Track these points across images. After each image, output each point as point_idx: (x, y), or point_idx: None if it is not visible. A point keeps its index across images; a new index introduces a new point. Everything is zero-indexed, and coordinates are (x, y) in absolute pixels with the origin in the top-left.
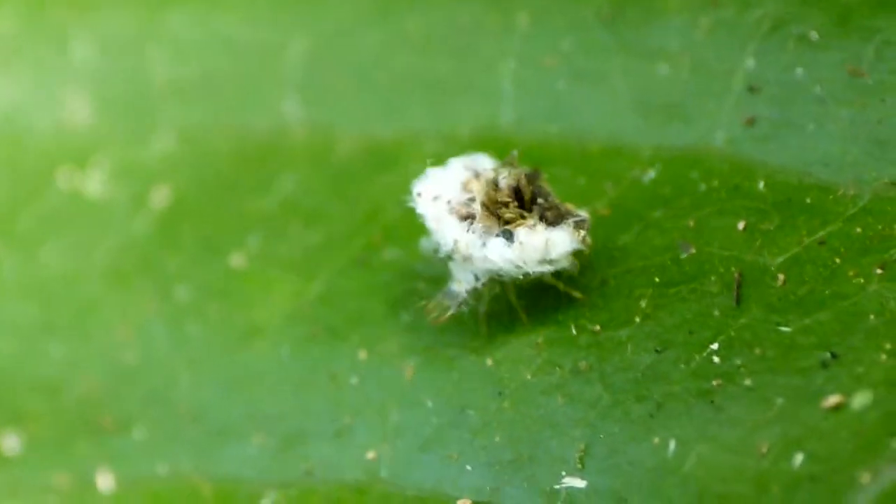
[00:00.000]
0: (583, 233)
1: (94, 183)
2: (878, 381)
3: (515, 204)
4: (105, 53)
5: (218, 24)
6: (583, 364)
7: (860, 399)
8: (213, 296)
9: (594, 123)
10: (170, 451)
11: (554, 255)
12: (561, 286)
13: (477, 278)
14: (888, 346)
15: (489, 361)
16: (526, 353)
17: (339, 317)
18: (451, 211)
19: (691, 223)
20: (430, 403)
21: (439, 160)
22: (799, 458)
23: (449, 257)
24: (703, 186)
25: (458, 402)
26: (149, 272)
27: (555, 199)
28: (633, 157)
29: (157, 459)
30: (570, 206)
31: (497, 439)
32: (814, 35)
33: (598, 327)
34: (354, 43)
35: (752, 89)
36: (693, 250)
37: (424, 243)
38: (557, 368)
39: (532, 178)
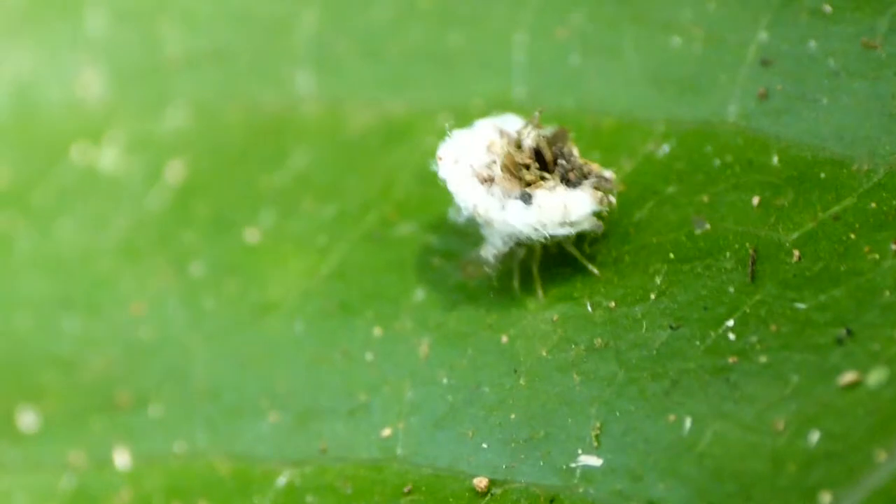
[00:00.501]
0: (601, 194)
1: (109, 157)
2: (894, 358)
3: (537, 165)
4: (118, 26)
5: None
6: (598, 341)
7: (876, 376)
8: (227, 271)
9: (607, 97)
10: (186, 428)
11: (574, 216)
12: (579, 256)
13: (504, 242)
14: None
15: (504, 338)
16: (541, 329)
17: (353, 293)
18: (472, 174)
19: (706, 199)
20: (445, 380)
21: (450, 134)
22: (815, 436)
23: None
24: (717, 161)
25: (473, 380)
26: (163, 248)
27: (578, 159)
28: (647, 131)
29: (173, 437)
30: (595, 166)
31: (512, 417)
32: (827, 8)
33: (613, 304)
34: (366, 15)
35: (765, 62)
36: (708, 226)
37: (451, 212)
38: (573, 345)
39: (556, 137)
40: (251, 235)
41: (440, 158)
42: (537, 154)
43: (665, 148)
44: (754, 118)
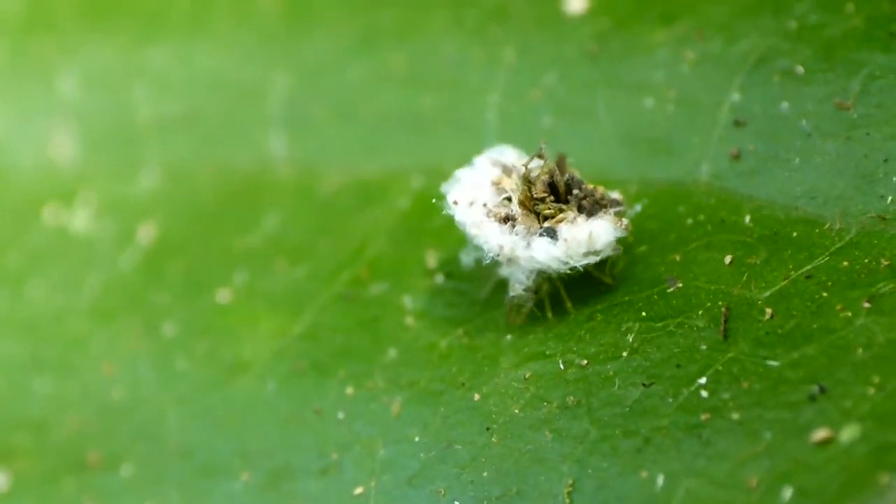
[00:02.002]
0: (625, 221)
1: (81, 219)
2: (867, 415)
3: (552, 198)
4: (90, 89)
5: (202, 59)
6: (570, 399)
7: (848, 433)
8: (199, 332)
9: (581, 158)
10: (158, 488)
11: (599, 245)
12: (598, 274)
13: (527, 276)
14: (876, 379)
15: (476, 396)
16: (514, 387)
17: (325, 352)
18: (489, 214)
19: (678, 257)
20: (417, 438)
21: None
22: (788, 493)
23: (496, 263)
24: (689, 221)
25: (445, 437)
26: (135, 308)
27: (587, 185)
28: (619, 191)
29: (145, 497)
30: (602, 190)
31: (485, 474)
32: (799, 69)
33: (585, 361)
34: (338, 78)
35: (738, 123)
36: (680, 284)
37: (464, 257)
38: (545, 403)
39: (560, 166)
40: (223, 296)
41: (455, 203)
42: (550, 186)
43: (637, 207)
44: (727, 178)
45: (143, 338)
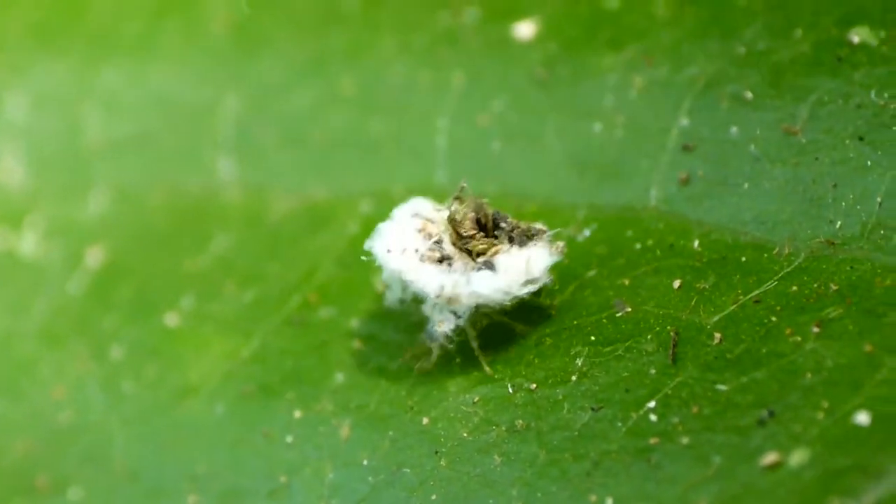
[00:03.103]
0: (560, 244)
1: (29, 243)
2: (816, 439)
3: (482, 234)
4: (38, 111)
5: (152, 81)
6: (519, 423)
7: (798, 457)
8: (147, 355)
9: (529, 183)
10: None
11: (536, 272)
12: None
13: (458, 316)
14: (825, 404)
15: (425, 420)
16: (462, 411)
17: (273, 376)
18: (423, 258)
19: (627, 282)
20: (366, 462)
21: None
22: None
23: (420, 303)
24: (638, 245)
25: (394, 461)
26: (84, 332)
27: (512, 219)
28: (568, 216)
29: None
30: (527, 223)
31: (434, 498)
32: (748, 94)
33: (534, 385)
34: (288, 101)
35: (686, 148)
36: (629, 309)
37: (389, 296)
38: (494, 427)
39: (480, 206)
40: (172, 319)
41: (389, 251)
42: (478, 223)
43: (586, 232)
44: (676, 203)
45: (91, 361)
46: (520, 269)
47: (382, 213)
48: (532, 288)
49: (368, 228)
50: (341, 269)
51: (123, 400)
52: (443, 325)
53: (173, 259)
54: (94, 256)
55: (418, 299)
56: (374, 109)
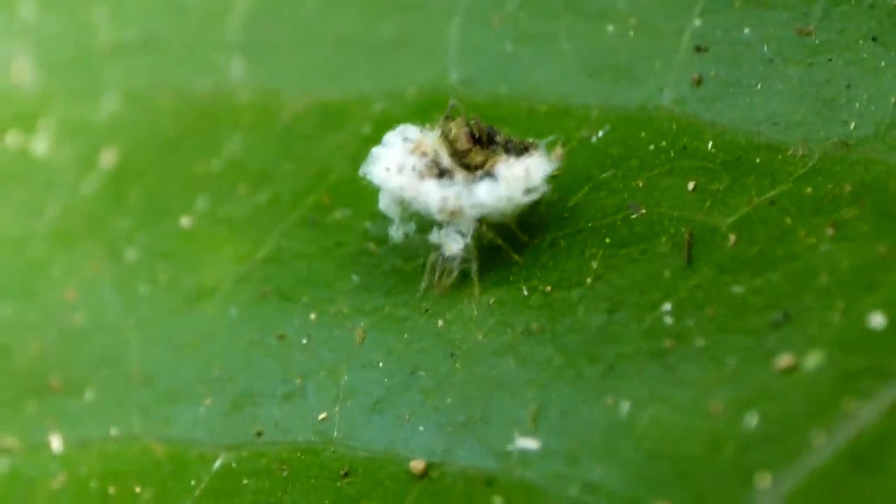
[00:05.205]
0: (559, 151)
1: (42, 144)
2: (831, 341)
3: (478, 147)
4: (49, 13)
5: None
6: (534, 325)
7: (812, 359)
8: (161, 257)
9: (542, 84)
10: (120, 413)
11: (536, 180)
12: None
13: (463, 234)
14: (841, 305)
15: (440, 322)
16: (477, 313)
17: (288, 278)
18: (422, 175)
19: (641, 184)
20: (381, 364)
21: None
22: (752, 419)
23: (428, 226)
24: (651, 147)
25: (409, 363)
26: (97, 233)
27: (504, 135)
28: (581, 117)
29: (107, 422)
30: (520, 138)
31: (449, 400)
32: None
33: (549, 288)
34: (298, 1)
35: (699, 49)
36: (643, 211)
37: (393, 231)
38: (509, 329)
39: (476, 121)
40: (185, 221)
41: (387, 170)
42: (472, 137)
43: (599, 133)
44: (689, 104)
45: (104, 263)
46: (520, 176)
47: (395, 114)
48: (533, 196)
49: (381, 129)
50: (354, 170)
51: (138, 302)
52: (451, 248)
53: (186, 161)
54: (107, 158)
55: (422, 225)
56: (386, 9)
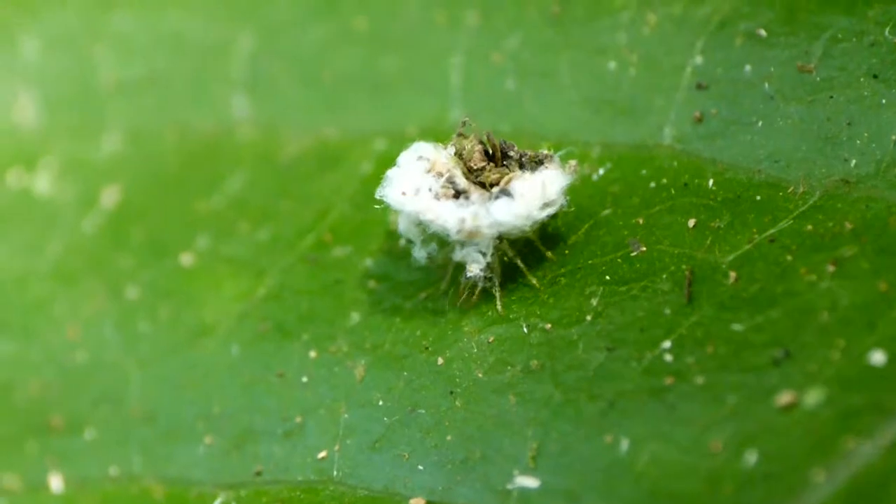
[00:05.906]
0: (573, 163)
1: (44, 182)
2: (831, 379)
3: (492, 165)
4: (52, 52)
5: (164, 21)
6: (534, 363)
7: (813, 396)
8: (162, 295)
9: (543, 121)
10: (121, 452)
11: (553, 194)
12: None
13: (483, 254)
14: (841, 343)
15: (440, 360)
16: (477, 351)
17: (289, 315)
18: (439, 196)
19: (641, 221)
20: (381, 402)
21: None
22: (752, 457)
23: (450, 249)
24: (652, 184)
25: (409, 401)
26: (99, 271)
27: (518, 148)
28: (582, 154)
29: (108, 461)
30: (534, 151)
31: (449, 438)
32: (762, 32)
33: (549, 325)
34: (300, 39)
35: (700, 86)
36: (644, 248)
37: (417, 253)
38: (509, 367)
39: (489, 136)
40: (187, 259)
41: (403, 194)
42: (486, 154)
43: (601, 171)
44: (690, 141)
45: (106, 301)
46: (536, 192)
47: (396, 153)
48: (551, 211)
49: (382, 168)
50: (355, 209)
51: (139, 340)
52: (472, 269)
53: (187, 198)
54: (109, 196)
55: (443, 246)
56: (387, 47)
